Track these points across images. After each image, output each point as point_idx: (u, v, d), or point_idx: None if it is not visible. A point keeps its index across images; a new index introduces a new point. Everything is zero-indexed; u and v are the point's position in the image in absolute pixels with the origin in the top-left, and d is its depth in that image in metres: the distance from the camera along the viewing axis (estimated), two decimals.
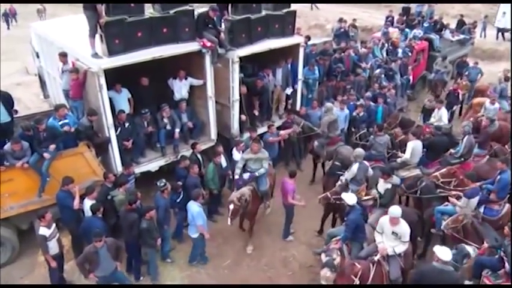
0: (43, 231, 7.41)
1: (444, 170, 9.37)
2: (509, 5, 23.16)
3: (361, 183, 9.20)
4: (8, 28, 29.01)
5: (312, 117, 12.07)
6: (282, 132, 11.24)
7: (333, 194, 8.91)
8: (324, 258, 7.07)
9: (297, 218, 9.86)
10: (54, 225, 7.66)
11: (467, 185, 8.60)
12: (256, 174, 9.06)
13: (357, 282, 6.65)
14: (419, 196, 9.21)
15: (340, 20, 16.96)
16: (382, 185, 8.52)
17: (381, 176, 8.65)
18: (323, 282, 6.72)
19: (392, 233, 7.07)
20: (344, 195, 7.85)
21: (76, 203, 8.06)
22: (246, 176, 9.10)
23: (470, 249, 7.31)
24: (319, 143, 11.14)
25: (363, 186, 9.23)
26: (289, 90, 12.23)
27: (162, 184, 8.45)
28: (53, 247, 7.64)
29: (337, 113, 11.53)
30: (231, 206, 8.43)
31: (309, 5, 29.83)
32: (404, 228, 7.03)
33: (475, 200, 8.11)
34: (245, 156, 9.08)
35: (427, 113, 12.92)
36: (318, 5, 30.31)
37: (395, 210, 7.04)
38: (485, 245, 7.33)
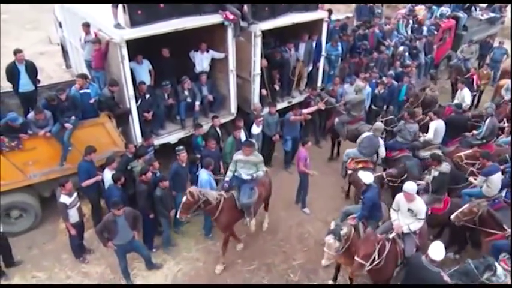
0: (64, 199, 7.56)
1: (470, 151, 9.21)
2: None
3: (365, 155, 9.29)
4: None
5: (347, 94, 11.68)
6: (304, 110, 11.03)
7: (388, 175, 8.91)
8: (332, 225, 7.16)
9: (314, 195, 9.85)
10: (75, 194, 7.80)
11: None
12: (244, 177, 7.91)
13: (375, 253, 6.50)
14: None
15: None
16: (433, 172, 8.34)
17: (431, 162, 8.49)
18: (325, 249, 6.75)
19: (408, 210, 7.01)
20: (360, 174, 7.79)
21: (94, 180, 8.23)
22: (228, 179, 8.04)
23: (500, 269, 6.68)
24: (340, 120, 11.00)
25: (366, 158, 9.31)
26: (308, 68, 12.05)
27: (180, 148, 8.52)
28: (73, 215, 7.81)
29: None
30: (183, 197, 7.53)
31: None
32: (420, 206, 6.96)
33: (495, 178, 7.96)
34: (235, 157, 8.02)
35: (426, 106, 11.89)
36: None
37: (410, 185, 6.96)
38: (509, 230, 7.19)
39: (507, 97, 11.89)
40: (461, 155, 9.04)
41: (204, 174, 8.37)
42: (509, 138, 10.02)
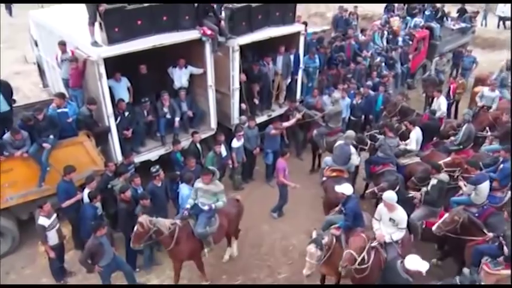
0: (42, 221, 7.40)
1: (448, 159, 9.31)
2: None
3: (338, 163, 9.36)
4: (11, 15, 28.47)
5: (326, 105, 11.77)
6: (284, 124, 11.06)
7: (380, 190, 8.76)
8: (314, 235, 7.18)
9: (297, 207, 9.85)
10: (54, 215, 7.64)
11: (470, 174, 8.58)
12: (201, 206, 7.56)
13: (359, 257, 6.56)
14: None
15: (341, 8, 16.77)
16: (431, 182, 8.33)
17: (429, 170, 8.54)
18: (307, 258, 6.79)
19: (390, 219, 7.04)
20: (338, 187, 7.72)
21: (74, 199, 8.07)
22: (189, 206, 7.64)
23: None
24: (318, 132, 11.07)
25: (339, 167, 9.34)
26: (287, 81, 12.13)
27: (155, 170, 8.40)
28: (52, 237, 7.63)
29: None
30: (135, 227, 7.12)
31: None
32: (401, 215, 7.00)
33: (483, 186, 8.05)
34: (196, 184, 7.68)
35: (403, 115, 11.51)
36: None
37: (390, 195, 7.01)
38: (490, 234, 7.29)
39: (480, 104, 12.11)
40: (440, 163, 9.15)
41: (185, 189, 8.29)
42: (493, 145, 10.10)
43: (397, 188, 8.50)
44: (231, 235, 8.69)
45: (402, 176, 9.23)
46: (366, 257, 6.63)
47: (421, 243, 8.35)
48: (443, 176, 8.24)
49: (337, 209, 8.07)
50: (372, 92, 12.75)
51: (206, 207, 7.45)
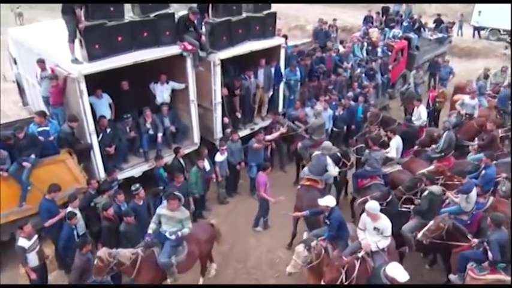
0: (22, 242, 7.24)
1: (431, 167, 9.44)
2: (484, 4, 23.86)
3: (314, 173, 9.42)
4: None
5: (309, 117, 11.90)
6: (267, 137, 11.10)
7: (373, 198, 8.63)
8: (305, 236, 7.34)
9: (282, 220, 9.82)
10: (35, 237, 7.48)
11: (454, 181, 8.75)
12: (168, 235, 7.27)
13: (343, 275, 6.65)
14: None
15: (320, 21, 17.00)
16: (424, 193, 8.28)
17: (419, 180, 8.57)
18: (293, 257, 6.90)
19: (374, 228, 7.09)
20: (321, 200, 7.65)
21: (58, 218, 7.94)
22: (151, 231, 7.33)
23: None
24: (303, 145, 11.12)
25: (314, 177, 9.39)
26: (269, 94, 12.19)
27: (134, 188, 8.33)
28: (33, 259, 7.45)
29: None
30: (95, 261, 6.83)
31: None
32: (385, 223, 7.05)
33: (473, 194, 8.14)
34: (159, 210, 7.46)
35: (384, 125, 11.55)
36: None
37: (373, 205, 7.07)
38: (475, 240, 7.37)
39: (462, 112, 12.30)
40: (424, 171, 9.24)
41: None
42: (479, 155, 10.05)
43: (389, 198, 8.44)
44: (204, 261, 8.37)
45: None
46: (344, 278, 6.67)
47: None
48: (436, 188, 8.17)
49: (302, 214, 8.34)
50: (352, 103, 12.91)
51: (173, 237, 7.22)
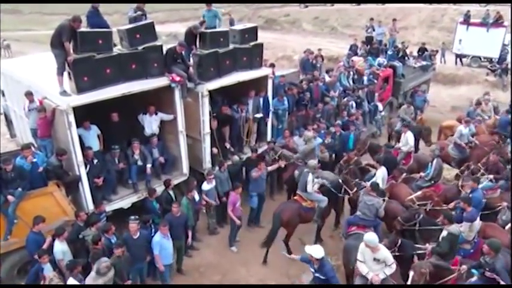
0: None
1: (419, 193, 9.49)
2: (464, 33, 24.58)
3: (299, 188, 9.79)
4: None
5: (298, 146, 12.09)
6: (268, 168, 11.05)
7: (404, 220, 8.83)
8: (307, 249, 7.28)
9: (274, 249, 9.77)
10: None
11: (441, 206, 8.91)
12: None
13: None
14: (419, 228, 8.81)
15: (307, 51, 17.34)
16: (443, 232, 7.91)
17: (441, 220, 8.17)
18: None
19: (374, 259, 7.09)
20: (308, 248, 7.32)
21: (46, 244, 7.83)
22: None
23: None
24: (299, 172, 10.98)
25: (299, 193, 9.79)
26: (258, 115, 12.19)
27: (132, 218, 8.19)
28: None
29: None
30: None
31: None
32: (385, 253, 7.08)
33: (477, 223, 8.12)
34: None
35: (372, 152, 12.18)
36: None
37: (371, 238, 7.07)
38: (464, 267, 7.17)
39: (463, 142, 12.37)
40: (412, 198, 9.31)
41: (156, 236, 8.29)
42: (489, 183, 9.97)
43: (399, 242, 8.08)
44: None
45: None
46: None
47: None
48: (454, 229, 7.77)
49: (293, 257, 8.11)
50: (343, 131, 13.04)
51: None
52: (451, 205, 9.22)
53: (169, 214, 8.94)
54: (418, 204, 9.18)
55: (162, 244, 8.26)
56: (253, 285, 8.42)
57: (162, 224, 8.30)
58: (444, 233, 7.81)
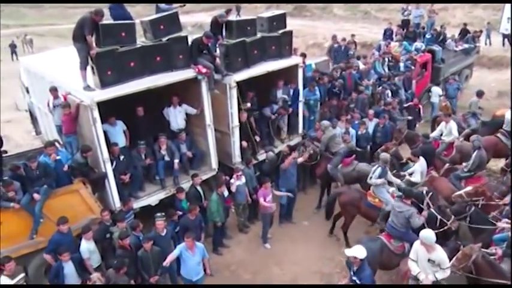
0: (4, 281, 7.07)
1: (470, 188, 8.96)
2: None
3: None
4: (12, 59, 29.08)
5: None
6: (299, 159, 10.92)
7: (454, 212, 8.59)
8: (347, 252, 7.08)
9: (307, 247, 9.74)
10: (20, 276, 7.55)
11: (494, 203, 8.55)
12: None
13: None
14: (470, 225, 8.55)
15: (334, 38, 17.12)
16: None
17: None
18: None
19: (429, 260, 6.85)
20: (348, 251, 7.09)
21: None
22: None
23: None
24: (332, 165, 10.97)
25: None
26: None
27: (158, 215, 8.39)
28: None
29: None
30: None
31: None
32: (441, 256, 6.79)
33: None
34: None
35: (410, 141, 11.97)
36: None
37: (428, 234, 6.79)
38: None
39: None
40: (461, 193, 8.86)
41: (177, 250, 8.02)
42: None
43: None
44: None
45: None
46: None
47: None
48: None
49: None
50: (387, 123, 12.75)
51: None
52: (506, 200, 8.76)
53: (186, 217, 8.93)
54: (470, 200, 8.71)
55: (185, 259, 7.98)
56: (255, 285, 8.37)
57: (186, 236, 7.92)
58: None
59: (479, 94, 13.43)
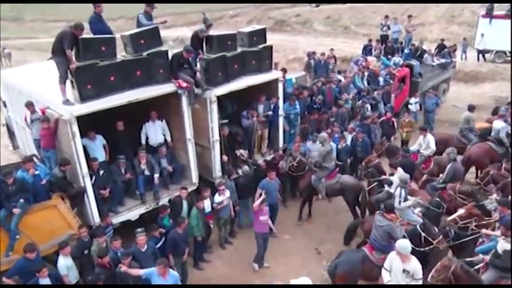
0: None
1: (462, 211, 8.87)
2: (486, 27, 24.08)
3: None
4: None
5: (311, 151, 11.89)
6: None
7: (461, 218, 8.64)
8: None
9: (288, 259, 9.74)
10: None
11: (489, 220, 8.61)
12: None
13: None
14: (453, 244, 8.51)
15: (309, 54, 17.41)
16: (502, 245, 7.30)
17: (502, 231, 7.59)
18: None
19: (404, 270, 6.88)
20: (296, 281, 7.06)
21: None
22: None
23: None
24: (316, 177, 10.98)
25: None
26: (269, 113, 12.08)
27: (139, 230, 8.24)
28: None
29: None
30: None
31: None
32: (415, 266, 6.84)
33: None
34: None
35: (390, 154, 12.15)
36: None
37: (404, 244, 6.87)
38: None
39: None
40: (455, 218, 8.83)
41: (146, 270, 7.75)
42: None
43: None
44: None
45: None
46: None
47: None
48: None
49: None
50: (366, 139, 12.94)
51: None
52: (496, 216, 8.70)
53: (174, 231, 8.86)
54: (462, 224, 8.66)
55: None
56: (255, 285, 8.34)
57: (158, 263, 7.49)
58: (507, 246, 7.17)
59: (471, 108, 13.52)
